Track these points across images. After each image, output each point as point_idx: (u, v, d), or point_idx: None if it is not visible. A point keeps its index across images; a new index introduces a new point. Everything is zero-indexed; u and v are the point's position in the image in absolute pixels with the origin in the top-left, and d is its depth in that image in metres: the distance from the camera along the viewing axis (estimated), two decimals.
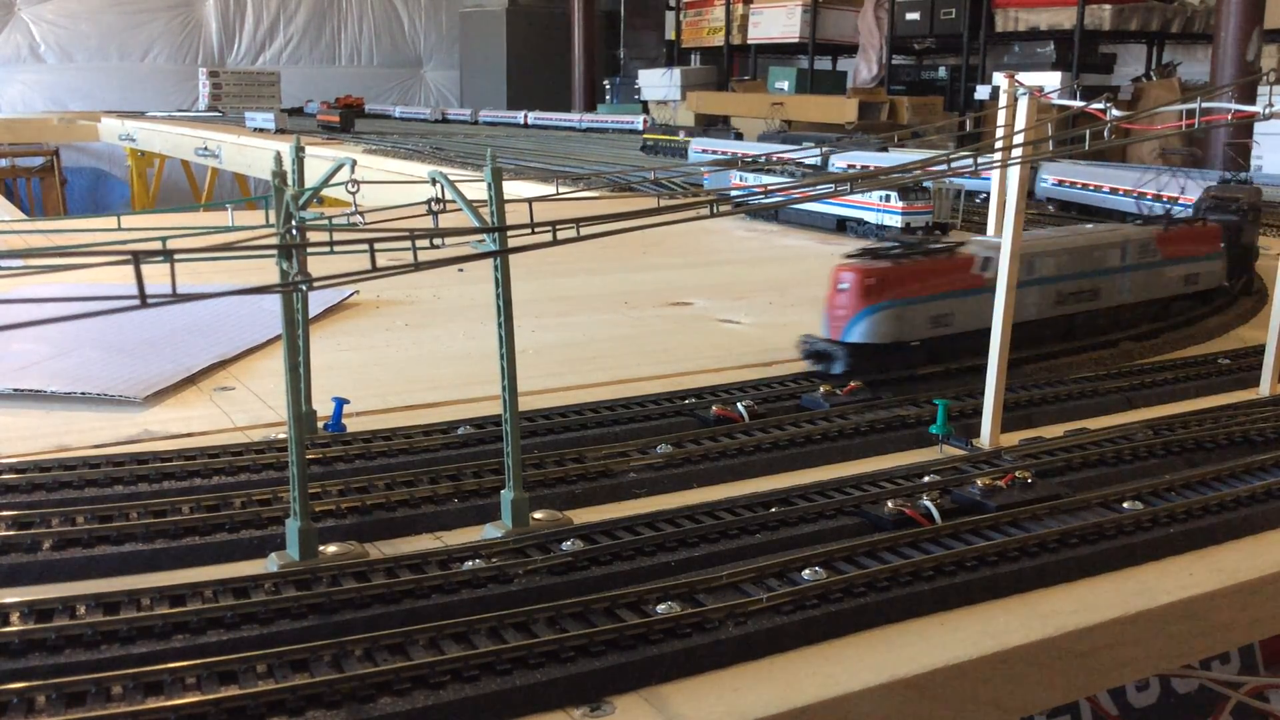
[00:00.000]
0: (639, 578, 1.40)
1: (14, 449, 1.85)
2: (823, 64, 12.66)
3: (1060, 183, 4.82)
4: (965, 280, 2.31)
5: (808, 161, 4.62)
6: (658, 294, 3.33)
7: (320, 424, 1.89)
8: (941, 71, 11.44)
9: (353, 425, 1.91)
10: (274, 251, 1.34)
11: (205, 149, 9.39)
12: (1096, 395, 2.23)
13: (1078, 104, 2.49)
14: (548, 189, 5.11)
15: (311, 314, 2.43)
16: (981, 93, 9.51)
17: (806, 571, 1.39)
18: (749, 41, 12.94)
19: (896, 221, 4.09)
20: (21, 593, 1.34)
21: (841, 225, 4.35)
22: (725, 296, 3.30)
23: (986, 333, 1.96)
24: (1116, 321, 2.59)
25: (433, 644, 1.21)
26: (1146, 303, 2.65)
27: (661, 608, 1.30)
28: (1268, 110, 1.92)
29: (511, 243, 1.37)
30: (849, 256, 2.29)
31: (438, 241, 1.26)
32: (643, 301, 3.21)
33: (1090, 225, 2.83)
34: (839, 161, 4.89)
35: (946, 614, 1.39)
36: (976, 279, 2.30)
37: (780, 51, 13.02)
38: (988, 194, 3.60)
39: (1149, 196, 4.18)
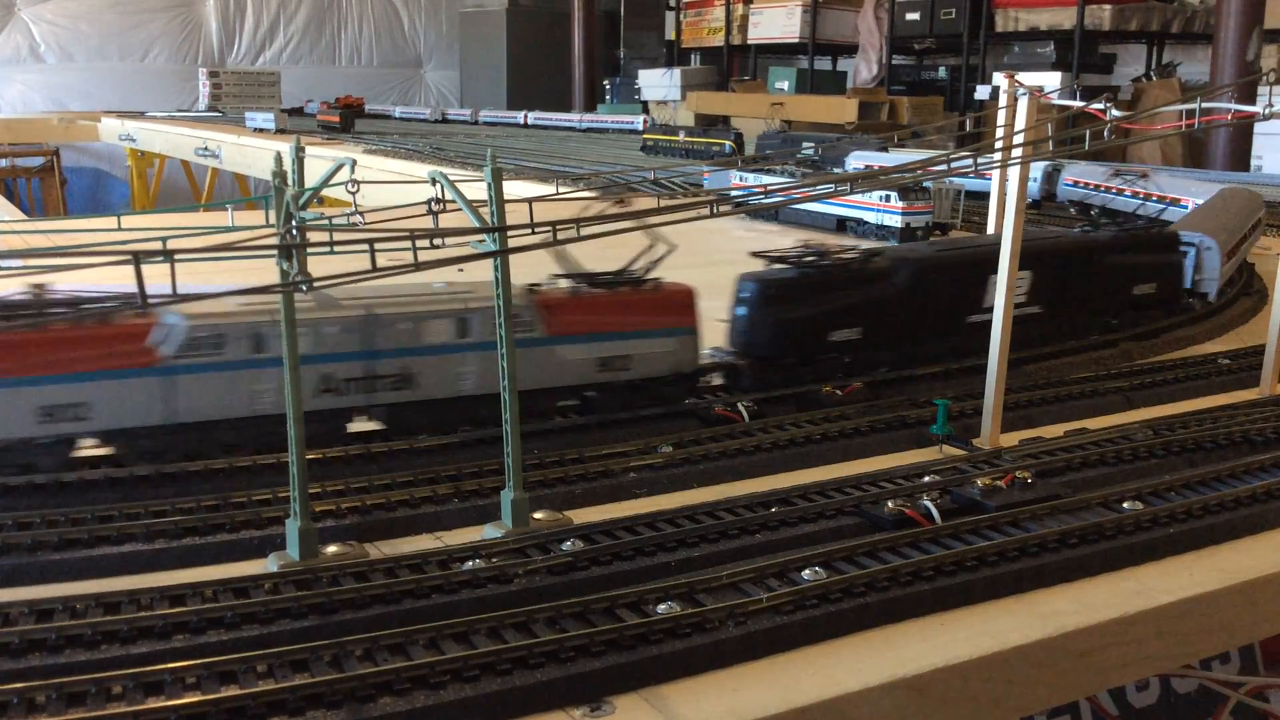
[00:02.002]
0: (639, 578, 1.40)
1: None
2: (823, 64, 12.65)
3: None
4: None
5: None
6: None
7: None
8: (941, 71, 11.43)
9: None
10: (274, 251, 1.34)
11: (205, 149, 9.38)
12: (1096, 395, 2.23)
13: (1078, 104, 2.49)
14: (548, 189, 5.11)
15: None
16: (981, 93, 9.50)
17: (806, 571, 1.39)
18: (749, 41, 12.93)
19: (896, 221, 4.09)
20: (21, 593, 1.34)
21: (841, 225, 4.35)
22: (725, 297, 3.30)
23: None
24: (450, 418, 1.86)
25: (433, 644, 1.21)
26: (524, 394, 1.66)
27: (661, 608, 1.30)
28: (1268, 110, 1.92)
29: (511, 243, 1.37)
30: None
31: (438, 241, 1.26)
32: None
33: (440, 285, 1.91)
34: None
35: (946, 614, 1.39)
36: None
37: (780, 51, 13.01)
38: (986, 194, 3.61)
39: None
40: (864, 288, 2.23)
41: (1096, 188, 4.47)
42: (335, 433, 1.80)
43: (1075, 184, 4.75)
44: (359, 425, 1.84)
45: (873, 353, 2.26)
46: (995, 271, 2.16)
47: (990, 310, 2.14)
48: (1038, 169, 4.68)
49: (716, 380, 2.19)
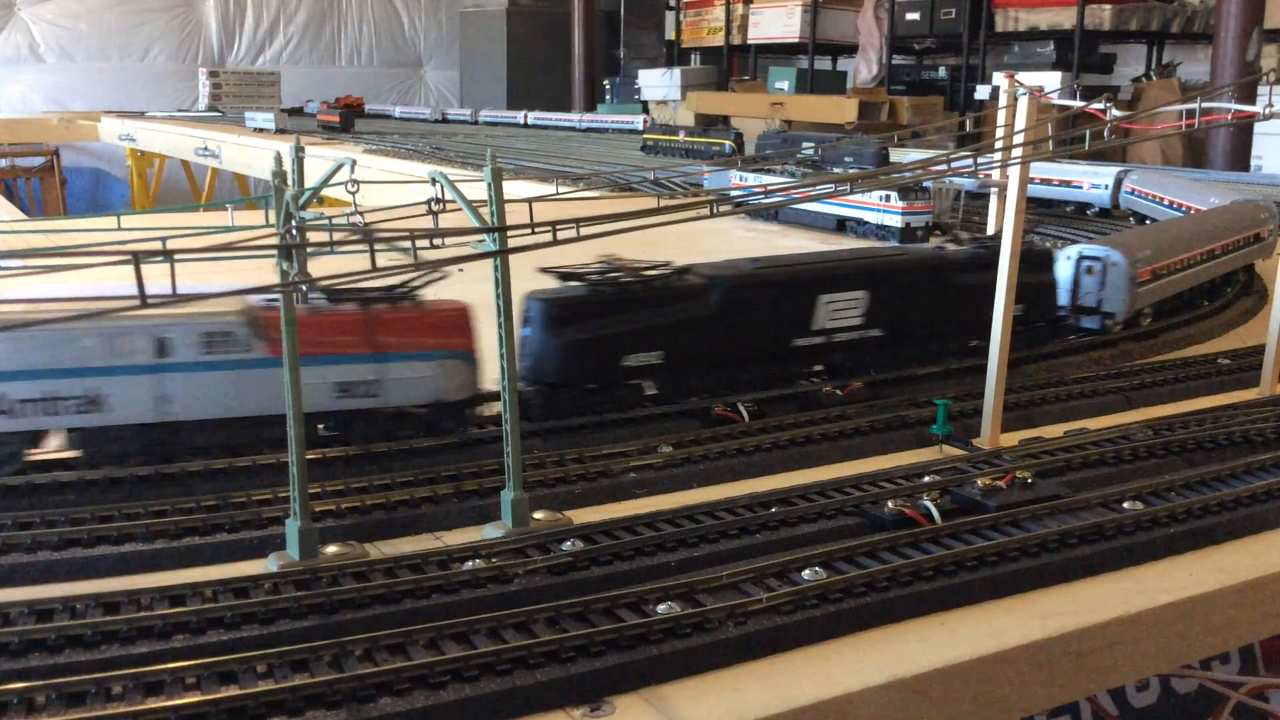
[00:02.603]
0: (639, 578, 1.40)
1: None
2: (823, 64, 12.65)
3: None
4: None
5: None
6: None
7: None
8: (941, 71, 11.43)
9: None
10: (274, 251, 1.34)
11: (205, 149, 9.38)
12: (1096, 395, 2.23)
13: (1078, 104, 2.49)
14: (548, 189, 5.11)
15: None
16: (981, 93, 9.50)
17: (806, 571, 1.39)
18: (749, 41, 12.93)
19: (896, 221, 4.09)
20: (21, 593, 1.34)
21: (841, 225, 4.35)
22: None
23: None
24: (156, 445, 1.71)
25: (433, 644, 1.21)
26: (241, 422, 1.72)
27: (661, 608, 1.30)
28: (1268, 110, 1.92)
29: (511, 243, 1.37)
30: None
31: (438, 241, 1.26)
32: None
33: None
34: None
35: (946, 614, 1.39)
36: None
37: (780, 51, 13.01)
38: (986, 194, 3.60)
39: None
40: (667, 308, 2.03)
41: (1159, 199, 4.20)
42: (12, 456, 1.66)
43: (1133, 192, 4.49)
44: (45, 452, 1.69)
45: (677, 378, 2.09)
46: (827, 291, 2.15)
47: (822, 333, 2.07)
48: (1108, 175, 4.49)
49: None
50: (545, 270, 1.94)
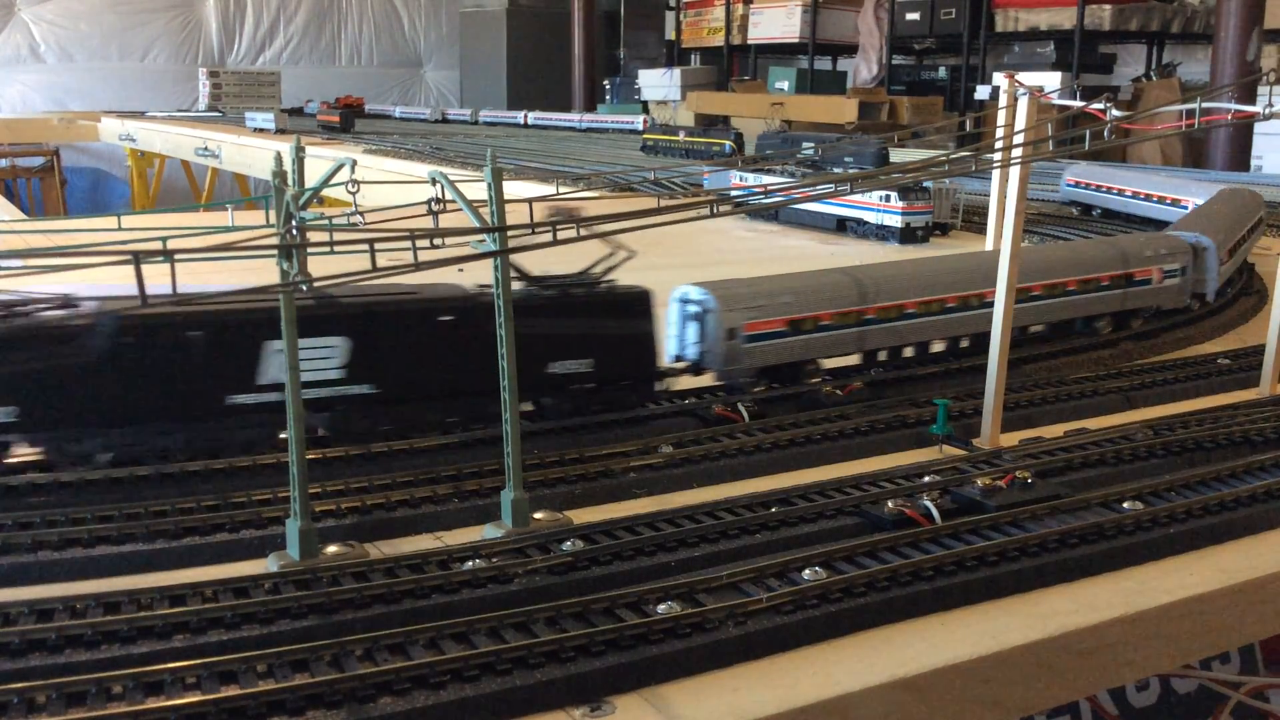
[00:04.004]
0: (639, 578, 1.40)
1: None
2: (823, 64, 12.66)
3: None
4: None
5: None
6: (658, 294, 3.32)
7: None
8: (941, 71, 11.44)
9: None
10: (274, 251, 1.34)
11: (205, 149, 9.39)
12: (1096, 395, 2.23)
13: (1078, 104, 2.49)
14: (548, 189, 5.11)
15: None
16: (981, 93, 9.51)
17: (806, 571, 1.39)
18: (749, 41, 12.94)
19: (896, 222, 4.09)
20: (21, 593, 1.34)
21: (841, 225, 4.35)
22: None
23: None
24: None
25: (433, 644, 1.21)
26: None
27: (661, 608, 1.30)
28: (1268, 110, 1.92)
29: (511, 243, 1.38)
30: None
31: (438, 241, 1.26)
32: None
33: None
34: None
35: (946, 614, 1.39)
36: None
37: (780, 51, 13.02)
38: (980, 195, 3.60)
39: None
40: (20, 353, 1.62)
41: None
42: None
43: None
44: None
45: (56, 441, 1.67)
46: (273, 338, 1.70)
47: (269, 389, 1.71)
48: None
49: None
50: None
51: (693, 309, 2.11)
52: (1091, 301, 2.59)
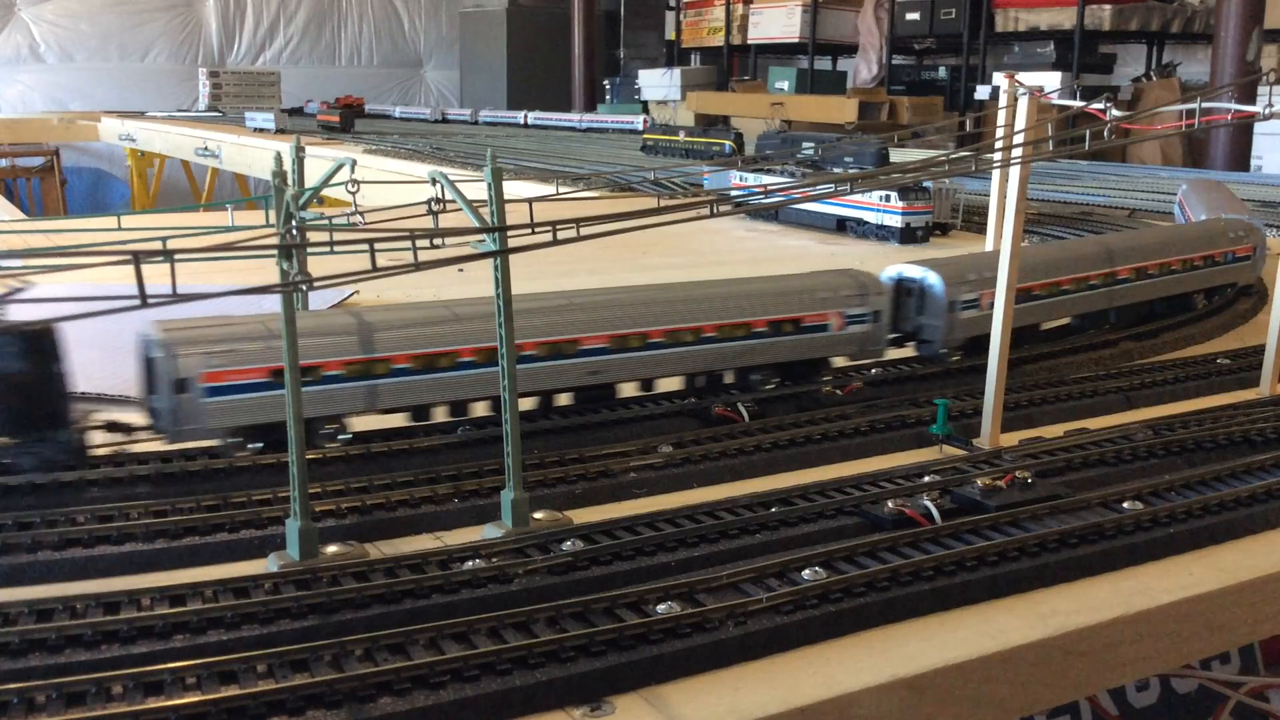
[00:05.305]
0: (639, 578, 1.40)
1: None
2: (823, 64, 12.67)
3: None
4: None
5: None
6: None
7: None
8: (941, 71, 11.45)
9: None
10: (274, 251, 1.34)
11: (205, 149, 9.39)
12: (1096, 395, 2.23)
13: (1078, 104, 2.49)
14: (548, 189, 5.11)
15: None
16: (981, 93, 9.52)
17: (806, 571, 1.39)
18: (749, 41, 12.95)
19: (896, 222, 4.09)
20: (21, 593, 1.34)
21: (841, 225, 4.35)
22: None
23: None
24: None
25: (433, 644, 1.21)
26: None
27: (661, 608, 1.30)
28: (1268, 110, 1.92)
29: (511, 243, 1.37)
30: None
31: (438, 241, 1.26)
32: None
33: None
34: None
35: (946, 614, 1.39)
36: None
37: (780, 51, 13.03)
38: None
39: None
40: None
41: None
42: None
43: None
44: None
45: None
46: None
47: None
48: None
49: None
50: None
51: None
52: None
